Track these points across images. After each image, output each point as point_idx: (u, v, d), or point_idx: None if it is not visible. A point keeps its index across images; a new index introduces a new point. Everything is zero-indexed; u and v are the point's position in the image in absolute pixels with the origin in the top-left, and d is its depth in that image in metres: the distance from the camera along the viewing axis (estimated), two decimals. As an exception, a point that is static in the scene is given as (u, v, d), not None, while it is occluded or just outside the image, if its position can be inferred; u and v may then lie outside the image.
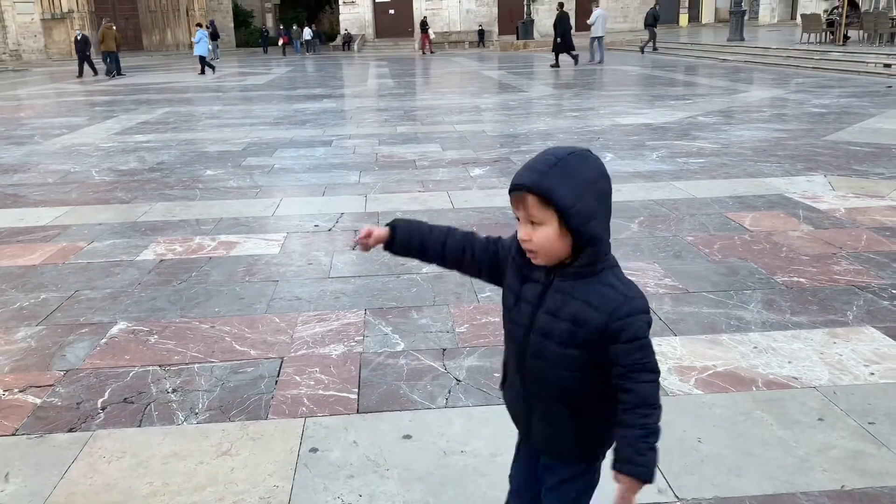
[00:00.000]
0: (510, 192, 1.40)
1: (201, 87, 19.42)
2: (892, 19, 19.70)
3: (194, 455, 2.47)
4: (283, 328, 3.49)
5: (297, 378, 2.99)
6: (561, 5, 23.37)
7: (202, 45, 23.31)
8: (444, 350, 3.20)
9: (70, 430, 2.64)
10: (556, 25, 21.76)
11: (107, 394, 2.90)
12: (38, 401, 2.85)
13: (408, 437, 2.54)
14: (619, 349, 1.37)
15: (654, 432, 1.38)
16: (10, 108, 15.94)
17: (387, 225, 1.62)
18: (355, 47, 38.39)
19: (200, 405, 2.79)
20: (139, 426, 2.66)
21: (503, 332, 1.59)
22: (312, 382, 2.95)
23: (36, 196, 6.53)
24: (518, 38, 34.29)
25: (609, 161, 7.22)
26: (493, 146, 8.54)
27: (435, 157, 7.86)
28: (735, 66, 19.38)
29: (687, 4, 44.19)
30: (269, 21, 52.82)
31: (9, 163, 8.28)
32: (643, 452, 1.37)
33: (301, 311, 3.70)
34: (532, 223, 1.38)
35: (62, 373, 3.08)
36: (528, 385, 1.52)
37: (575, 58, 21.42)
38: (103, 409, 2.79)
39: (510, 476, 1.77)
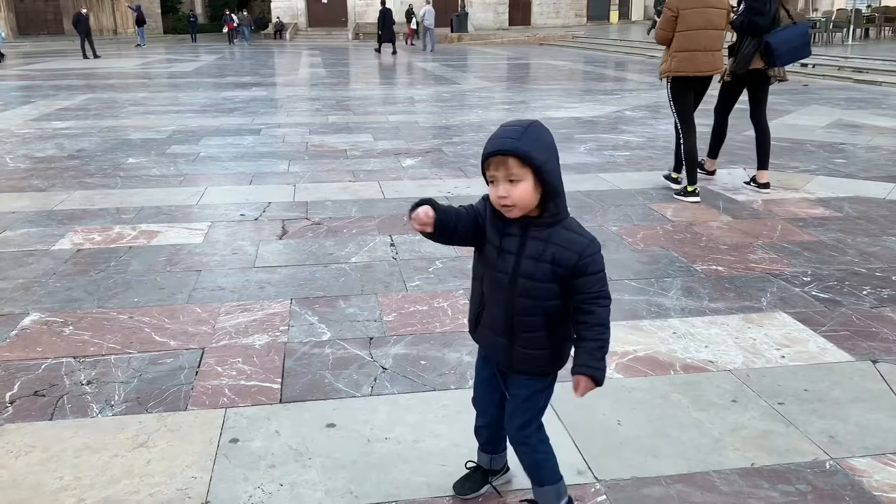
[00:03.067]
0: (489, 157, 1.68)
1: (126, 73, 18.77)
2: (808, 20, 20.53)
3: (109, 448, 2.39)
4: (204, 318, 3.40)
5: (219, 369, 2.92)
6: (384, 2, 27.77)
7: None
8: (371, 339, 3.18)
9: (-26, 426, 2.51)
10: (380, 20, 26.44)
11: (16, 387, 2.77)
12: (-60, 396, 2.71)
13: (331, 425, 2.52)
14: (585, 280, 1.73)
15: (606, 347, 1.76)
16: (-84, 91, 15.06)
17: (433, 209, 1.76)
18: (287, 36, 37.74)
19: (116, 397, 2.70)
20: (50, 419, 2.56)
21: (475, 285, 1.90)
22: (234, 373, 2.89)
23: (-57, 183, 6.20)
24: (452, 31, 34.34)
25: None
26: (426, 137, 8.54)
27: (367, 147, 7.80)
28: (662, 63, 19.86)
29: (617, 2, 45.09)
30: (199, 7, 51.38)
31: (-87, 148, 7.83)
32: (600, 359, 1.75)
33: (224, 301, 3.61)
34: (511, 181, 1.66)
35: (-33, 367, 2.93)
36: (513, 321, 1.81)
37: (394, 49, 26.48)
38: (11, 402, 2.67)
39: (473, 400, 2.10)
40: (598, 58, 22.22)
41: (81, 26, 24.48)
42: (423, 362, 2.97)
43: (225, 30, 35.99)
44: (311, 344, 3.14)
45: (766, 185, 5.77)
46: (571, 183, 5.97)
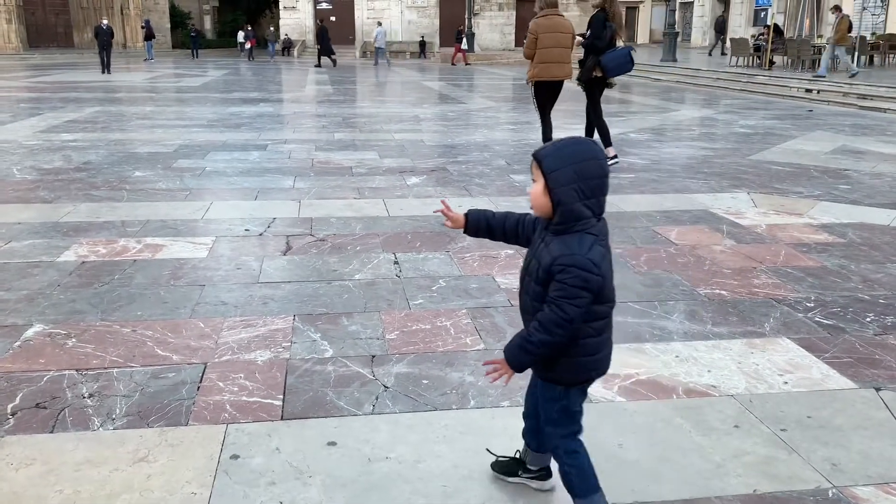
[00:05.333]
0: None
1: (134, 87, 18.91)
2: (814, 47, 20.65)
3: (109, 462, 2.38)
4: (207, 333, 3.41)
5: (221, 384, 2.92)
6: (322, 20, 32.64)
7: None
8: (374, 357, 3.18)
9: (-26, 437, 2.51)
10: (319, 37, 30.67)
11: (18, 399, 2.77)
12: (-58, 406, 2.71)
13: (332, 443, 2.51)
14: (553, 285, 1.84)
15: (532, 341, 1.87)
16: (-75, 101, 15.18)
17: (465, 214, 2.13)
18: (295, 53, 38.01)
19: (118, 411, 2.70)
20: (51, 432, 2.56)
21: None
22: (236, 388, 2.89)
23: (-50, 193, 6.23)
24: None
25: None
26: (431, 156, 8.57)
27: (372, 165, 7.84)
28: (667, 86, 19.98)
29: (623, 24, 45.39)
30: (208, 23, 51.87)
31: (-79, 158, 7.89)
32: (515, 343, 1.92)
33: (227, 316, 3.62)
34: (534, 181, 1.87)
35: (-31, 377, 2.94)
36: (523, 317, 2.01)
37: (334, 61, 29.37)
38: (13, 414, 2.67)
39: (525, 398, 2.24)
40: (604, 80, 22.32)
41: (101, 38, 23.82)
42: (425, 381, 2.97)
43: (247, 46, 35.23)
44: (314, 361, 3.14)
45: (615, 158, 7.85)
46: (575, 204, 6.00)
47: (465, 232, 2.15)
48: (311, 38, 39.20)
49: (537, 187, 1.85)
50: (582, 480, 2.03)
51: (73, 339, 3.31)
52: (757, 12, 32.42)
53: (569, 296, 1.80)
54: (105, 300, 3.80)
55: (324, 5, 40.20)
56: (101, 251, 4.64)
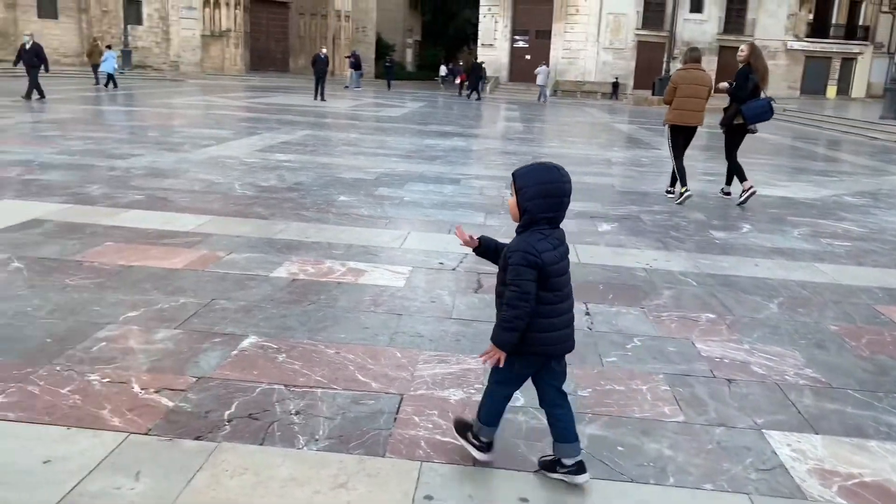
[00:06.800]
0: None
1: (339, 113, 20.25)
2: None
3: (312, 483, 2.49)
4: (404, 364, 3.49)
5: (416, 419, 2.97)
6: (477, 59, 36.40)
7: (109, 63, 24.72)
8: (566, 412, 3.10)
9: (197, 438, 2.72)
10: (471, 72, 34.02)
11: (233, 406, 2.98)
12: (171, 404, 2.97)
13: (524, 500, 2.46)
14: (508, 270, 2.41)
15: (505, 318, 2.41)
16: (166, 115, 17.17)
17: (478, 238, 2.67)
18: (488, 89, 39.02)
19: (321, 432, 2.82)
20: (261, 444, 2.72)
21: None
22: (430, 426, 2.92)
23: (182, 202, 6.94)
24: (654, 94, 33.80)
25: (746, 233, 6.94)
26: (622, 202, 8.39)
27: (563, 208, 7.77)
28: (885, 146, 18.27)
29: (836, 76, 42.27)
30: (409, 56, 54.63)
31: (162, 168, 8.88)
32: (495, 326, 2.46)
33: (423, 348, 3.70)
34: (511, 194, 2.48)
35: (194, 379, 3.20)
36: (496, 300, 2.56)
37: (478, 97, 33.04)
38: (229, 421, 2.87)
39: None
40: (811, 134, 20.85)
41: (319, 67, 24.98)
42: (620, 448, 2.84)
43: (457, 80, 36.51)
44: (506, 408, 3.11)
45: (729, 194, 9.00)
46: (782, 270, 5.59)
47: (474, 251, 2.68)
48: (504, 74, 40.09)
49: (512, 199, 2.46)
50: (489, 412, 2.64)
51: (283, 355, 3.52)
52: None
53: (518, 274, 2.38)
54: (312, 319, 4.03)
55: (520, 44, 41.05)
56: (309, 270, 4.94)
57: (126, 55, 34.08)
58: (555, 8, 40.52)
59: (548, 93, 33.79)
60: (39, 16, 36.56)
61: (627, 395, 3.32)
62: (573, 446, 2.55)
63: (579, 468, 2.54)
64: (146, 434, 2.73)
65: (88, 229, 5.64)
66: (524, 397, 3.22)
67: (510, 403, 3.14)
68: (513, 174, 2.46)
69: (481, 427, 2.63)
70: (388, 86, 38.00)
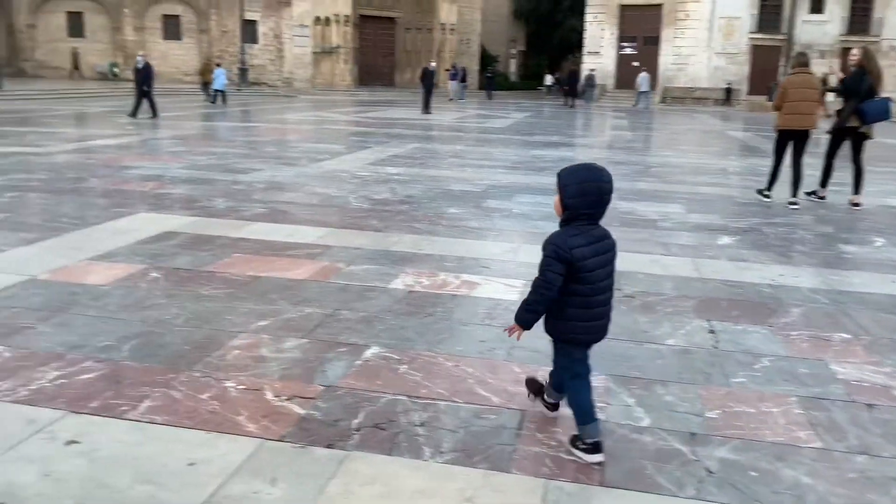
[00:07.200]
0: None
1: (444, 126, 20.51)
2: None
3: (438, 495, 2.52)
4: (522, 379, 3.48)
5: (539, 435, 2.97)
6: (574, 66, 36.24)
7: (219, 80, 25.31)
8: (693, 435, 3.01)
9: (328, 447, 2.82)
10: (567, 79, 34.46)
11: (361, 416, 3.07)
12: (302, 412, 3.09)
13: (654, 523, 2.41)
14: (541, 259, 2.69)
15: (528, 301, 2.75)
16: (281, 130, 17.91)
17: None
18: (595, 96, 38.50)
19: (445, 444, 2.86)
20: (389, 454, 2.78)
21: None
22: (554, 443, 2.91)
23: (302, 214, 7.22)
24: (769, 100, 32.38)
25: (880, 247, 6.53)
26: (743, 214, 8.07)
27: (678, 219, 7.58)
28: None
29: (881, 80, 39.06)
30: (513, 66, 54.72)
31: (281, 181, 9.26)
32: (521, 307, 2.80)
33: (541, 364, 3.67)
34: (557, 193, 2.73)
35: (322, 388, 3.32)
36: None
37: (572, 105, 32.85)
38: (357, 430, 2.95)
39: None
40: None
41: (427, 81, 24.94)
42: (752, 473, 2.73)
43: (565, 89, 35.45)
44: (630, 428, 3.06)
45: (858, 205, 8.59)
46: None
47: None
48: (611, 82, 39.48)
49: (556, 197, 2.72)
50: (578, 409, 2.82)
51: (405, 366, 3.59)
52: None
53: (545, 264, 2.65)
54: (430, 331, 4.09)
55: (628, 51, 40.34)
56: (424, 282, 5.02)
57: (242, 73, 35.81)
58: (663, 13, 39.59)
59: (650, 98, 33.67)
60: (164, 37, 38.97)
61: (758, 417, 3.19)
62: (594, 426, 2.80)
63: (595, 447, 2.76)
64: (280, 441, 2.85)
65: (217, 241, 5.95)
66: (649, 417, 3.16)
67: (635, 424, 3.11)
68: (558, 174, 2.72)
69: (583, 429, 2.79)
70: (489, 96, 38.07)
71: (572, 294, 2.68)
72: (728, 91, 37.44)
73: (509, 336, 2.86)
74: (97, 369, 3.43)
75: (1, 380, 3.30)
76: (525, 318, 2.78)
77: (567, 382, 2.87)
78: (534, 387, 3.18)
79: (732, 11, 38.50)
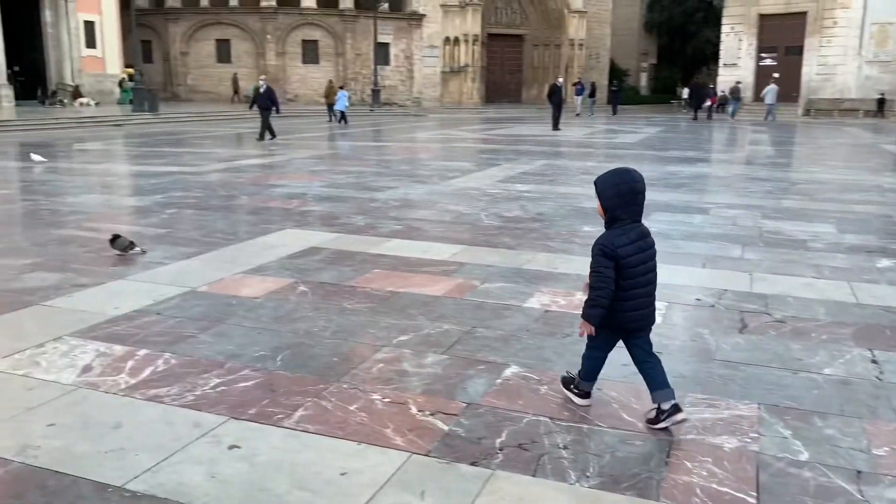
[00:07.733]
0: None
1: (573, 142, 20.33)
2: None
3: (586, 520, 2.49)
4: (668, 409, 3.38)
5: (688, 464, 2.86)
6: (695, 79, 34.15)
7: (341, 102, 26.33)
8: (860, 473, 2.81)
9: (473, 464, 2.84)
10: (692, 93, 34.71)
11: (504, 435, 3.08)
12: (446, 427, 3.14)
13: (821, 567, 2.26)
14: (592, 259, 3.05)
15: (591, 298, 3.05)
16: (412, 149, 18.38)
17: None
18: (729, 110, 36.94)
19: (591, 469, 2.82)
20: (533, 475, 2.77)
21: None
22: (705, 473, 2.80)
23: (436, 231, 7.36)
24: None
25: None
26: (903, 235, 7.48)
27: (830, 240, 7.12)
28: None
29: None
30: (643, 80, 53.54)
31: (415, 199, 9.50)
32: (585, 305, 3.09)
33: (688, 390, 3.56)
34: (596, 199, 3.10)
35: (464, 404, 3.36)
36: None
37: (696, 117, 32.81)
38: (501, 449, 2.96)
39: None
40: None
41: (556, 97, 24.28)
42: (932, 519, 2.52)
43: (706, 104, 33.45)
44: (787, 461, 2.89)
45: None
46: None
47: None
48: (748, 95, 37.78)
49: (598, 203, 3.06)
50: (587, 367, 3.32)
51: (545, 387, 3.58)
52: None
53: (596, 262, 3.01)
54: (568, 352, 4.05)
55: (768, 61, 38.51)
56: (560, 302, 4.98)
57: (375, 93, 37.01)
58: (808, 21, 37.44)
59: (774, 111, 32.33)
60: (304, 62, 40.95)
61: None
62: (666, 392, 3.09)
63: (675, 409, 3.05)
64: (426, 455, 2.91)
65: (358, 257, 6.18)
66: (808, 451, 2.98)
67: (793, 457, 2.95)
68: (594, 182, 3.08)
69: (580, 381, 3.33)
70: (614, 111, 37.26)
71: (618, 288, 3.00)
72: (881, 102, 34.79)
73: (581, 336, 3.22)
74: (254, 378, 3.64)
75: (169, 385, 3.56)
76: (590, 313, 3.06)
77: (588, 351, 3.30)
78: (566, 382, 3.44)
79: (886, 16, 35.85)
